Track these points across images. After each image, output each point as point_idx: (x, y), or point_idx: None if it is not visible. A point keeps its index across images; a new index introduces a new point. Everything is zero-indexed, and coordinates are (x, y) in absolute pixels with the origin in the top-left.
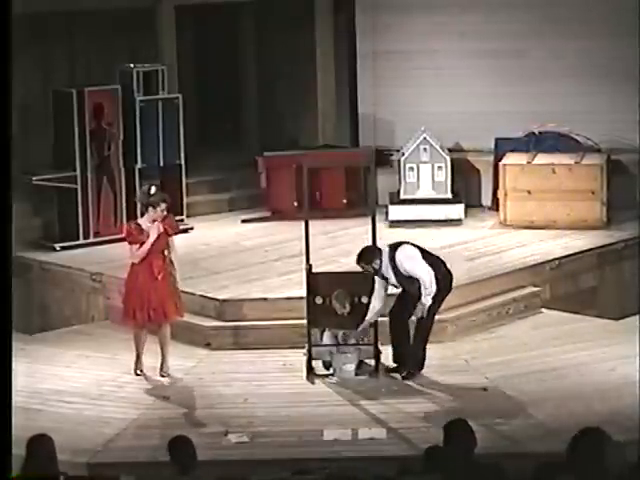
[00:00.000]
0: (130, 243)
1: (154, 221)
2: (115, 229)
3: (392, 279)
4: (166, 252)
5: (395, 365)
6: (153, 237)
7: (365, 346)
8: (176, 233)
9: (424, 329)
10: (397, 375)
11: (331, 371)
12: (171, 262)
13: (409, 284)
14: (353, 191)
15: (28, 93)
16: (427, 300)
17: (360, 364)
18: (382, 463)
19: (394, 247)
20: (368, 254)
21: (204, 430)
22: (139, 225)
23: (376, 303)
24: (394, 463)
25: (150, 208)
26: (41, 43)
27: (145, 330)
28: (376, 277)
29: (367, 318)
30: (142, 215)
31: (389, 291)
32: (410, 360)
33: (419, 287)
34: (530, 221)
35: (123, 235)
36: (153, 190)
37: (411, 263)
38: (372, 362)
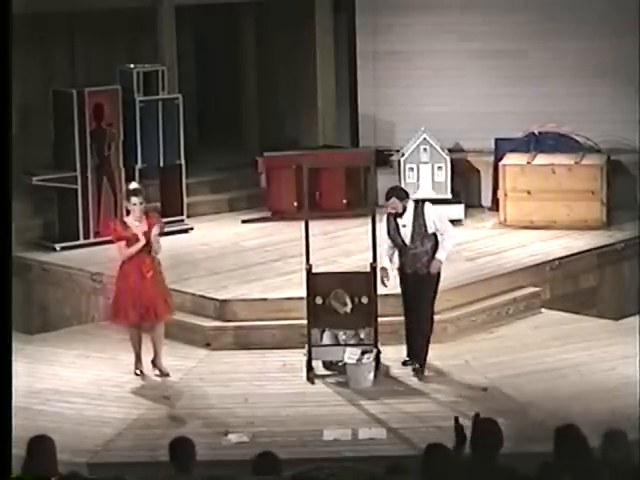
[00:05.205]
0: (116, 240)
1: (141, 215)
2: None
3: (409, 227)
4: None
5: (407, 359)
6: (141, 242)
7: (366, 346)
8: (161, 233)
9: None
10: (401, 373)
11: (339, 378)
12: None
13: (426, 238)
14: (353, 191)
15: (28, 93)
16: (449, 247)
17: (377, 370)
18: (382, 463)
19: (419, 200)
20: (402, 191)
21: (204, 430)
22: (123, 222)
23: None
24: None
25: (133, 197)
26: (41, 43)
27: (140, 329)
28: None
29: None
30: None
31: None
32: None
33: (434, 244)
34: (530, 221)
35: (110, 237)
36: (132, 185)
37: (439, 216)
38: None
